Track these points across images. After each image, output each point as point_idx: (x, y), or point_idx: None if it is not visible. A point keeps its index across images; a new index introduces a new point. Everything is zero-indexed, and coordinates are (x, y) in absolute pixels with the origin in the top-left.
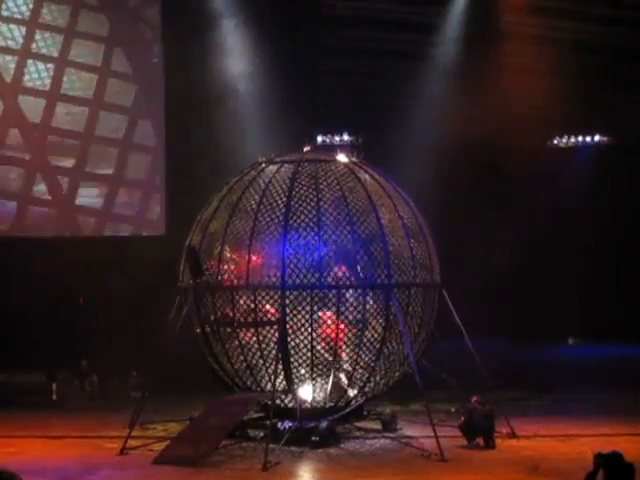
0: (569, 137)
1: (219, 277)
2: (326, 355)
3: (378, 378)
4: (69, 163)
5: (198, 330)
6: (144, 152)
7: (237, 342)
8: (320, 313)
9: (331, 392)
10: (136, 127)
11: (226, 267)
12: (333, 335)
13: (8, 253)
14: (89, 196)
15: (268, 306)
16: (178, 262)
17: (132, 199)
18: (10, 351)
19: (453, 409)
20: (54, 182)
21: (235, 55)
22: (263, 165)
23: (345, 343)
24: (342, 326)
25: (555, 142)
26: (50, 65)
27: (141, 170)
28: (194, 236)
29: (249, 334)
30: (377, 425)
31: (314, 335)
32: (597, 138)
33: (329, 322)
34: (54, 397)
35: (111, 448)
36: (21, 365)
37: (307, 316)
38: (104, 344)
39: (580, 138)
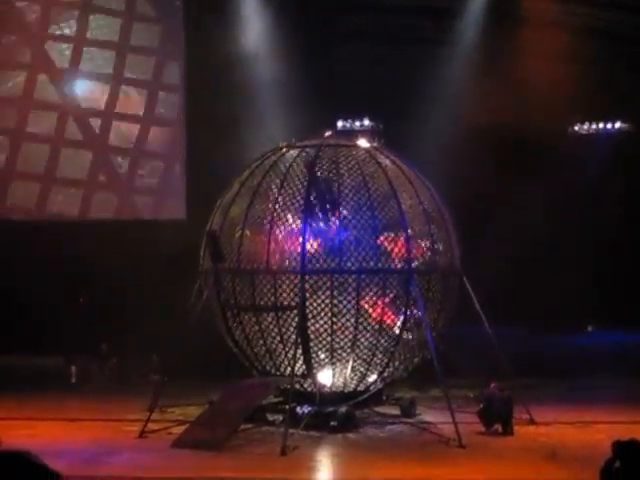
0: (590, 124)
1: (239, 261)
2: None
3: (397, 363)
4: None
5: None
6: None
7: (257, 327)
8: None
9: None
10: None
11: (246, 251)
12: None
13: (26, 237)
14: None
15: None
16: (199, 246)
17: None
18: (29, 334)
19: (472, 395)
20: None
21: (254, 35)
22: (284, 150)
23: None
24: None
25: (576, 129)
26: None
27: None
28: (214, 220)
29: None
30: (396, 410)
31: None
32: (618, 125)
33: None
34: (73, 380)
35: (130, 431)
36: (40, 348)
37: (327, 301)
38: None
39: (601, 125)
